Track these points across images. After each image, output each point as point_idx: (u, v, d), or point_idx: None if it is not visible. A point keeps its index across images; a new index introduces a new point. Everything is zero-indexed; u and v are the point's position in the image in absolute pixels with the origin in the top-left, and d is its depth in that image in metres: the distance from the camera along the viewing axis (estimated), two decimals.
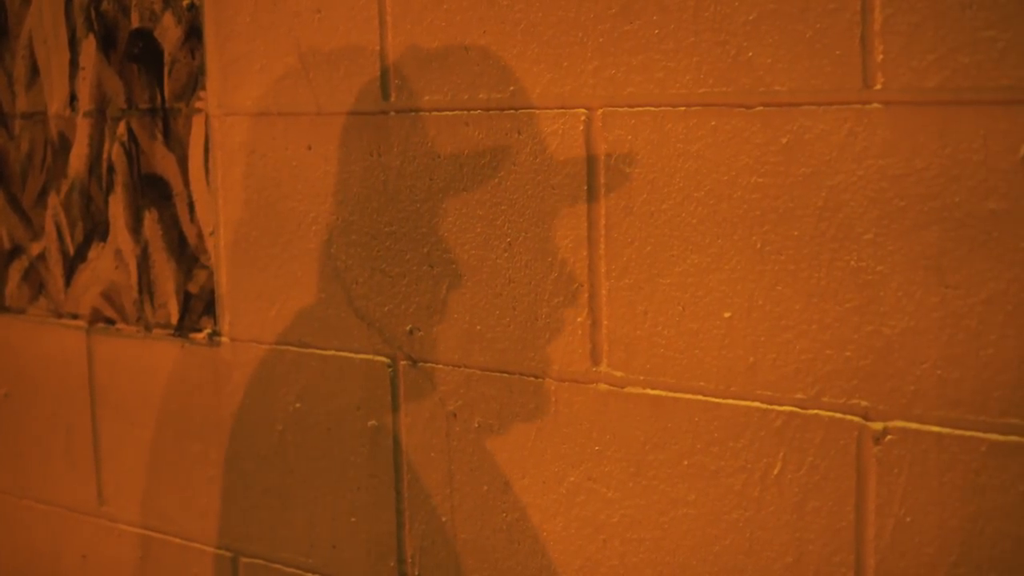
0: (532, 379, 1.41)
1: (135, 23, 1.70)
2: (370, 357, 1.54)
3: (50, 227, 1.85)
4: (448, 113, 1.43)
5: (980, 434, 1.14)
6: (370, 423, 1.55)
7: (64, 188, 1.83)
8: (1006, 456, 1.13)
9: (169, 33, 1.66)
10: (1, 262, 1.94)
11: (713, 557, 1.30)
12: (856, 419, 1.20)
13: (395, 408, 1.53)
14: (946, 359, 1.15)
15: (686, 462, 1.31)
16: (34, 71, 1.83)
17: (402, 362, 1.51)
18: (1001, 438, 1.13)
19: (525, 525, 1.44)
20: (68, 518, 1.92)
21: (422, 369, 1.49)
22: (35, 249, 1.88)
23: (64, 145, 1.81)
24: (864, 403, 1.20)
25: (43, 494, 1.96)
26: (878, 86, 1.15)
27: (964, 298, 1.13)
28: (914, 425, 1.17)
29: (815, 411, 1.23)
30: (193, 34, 1.64)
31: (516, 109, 1.38)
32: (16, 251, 1.91)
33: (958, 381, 1.14)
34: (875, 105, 1.16)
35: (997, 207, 1.10)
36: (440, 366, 1.48)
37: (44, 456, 1.94)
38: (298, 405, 1.61)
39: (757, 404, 1.26)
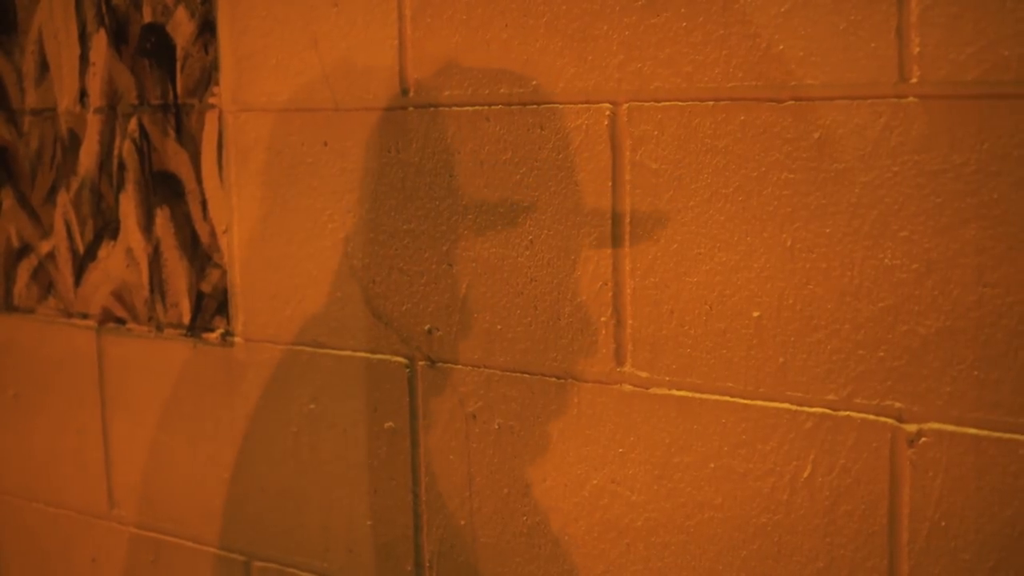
0: (554, 380, 1.38)
1: (147, 17, 1.67)
2: (387, 357, 1.51)
3: (60, 225, 1.83)
4: (468, 108, 1.40)
5: (1019, 436, 1.11)
6: (387, 425, 1.52)
7: (74, 186, 1.80)
8: None
9: (182, 27, 1.63)
10: (10, 261, 1.91)
11: (740, 562, 1.28)
12: (890, 421, 1.18)
13: (413, 410, 1.50)
14: (984, 360, 1.12)
15: (713, 465, 1.28)
16: (44, 67, 1.81)
17: (420, 363, 1.48)
18: None
19: (546, 529, 1.41)
20: (78, 521, 1.89)
21: (441, 370, 1.46)
22: (44, 248, 1.86)
23: (74, 142, 1.78)
24: (898, 404, 1.17)
25: (53, 496, 1.93)
26: (914, 79, 1.12)
27: (1003, 297, 1.10)
28: (950, 427, 1.14)
29: (847, 412, 1.20)
30: (206, 28, 1.61)
31: (539, 104, 1.35)
32: (25, 250, 1.88)
33: (996, 382, 1.11)
34: (911, 99, 1.13)
35: None
36: (459, 367, 1.45)
37: (53, 458, 1.91)
38: (313, 406, 1.58)
39: (787, 405, 1.23)
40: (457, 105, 1.41)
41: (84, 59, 1.75)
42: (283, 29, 1.54)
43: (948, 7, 1.10)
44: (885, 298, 1.16)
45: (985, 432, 1.13)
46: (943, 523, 1.16)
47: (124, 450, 1.81)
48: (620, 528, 1.35)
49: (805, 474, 1.23)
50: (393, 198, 1.47)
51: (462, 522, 1.47)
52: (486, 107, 1.39)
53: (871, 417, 1.18)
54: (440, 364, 1.46)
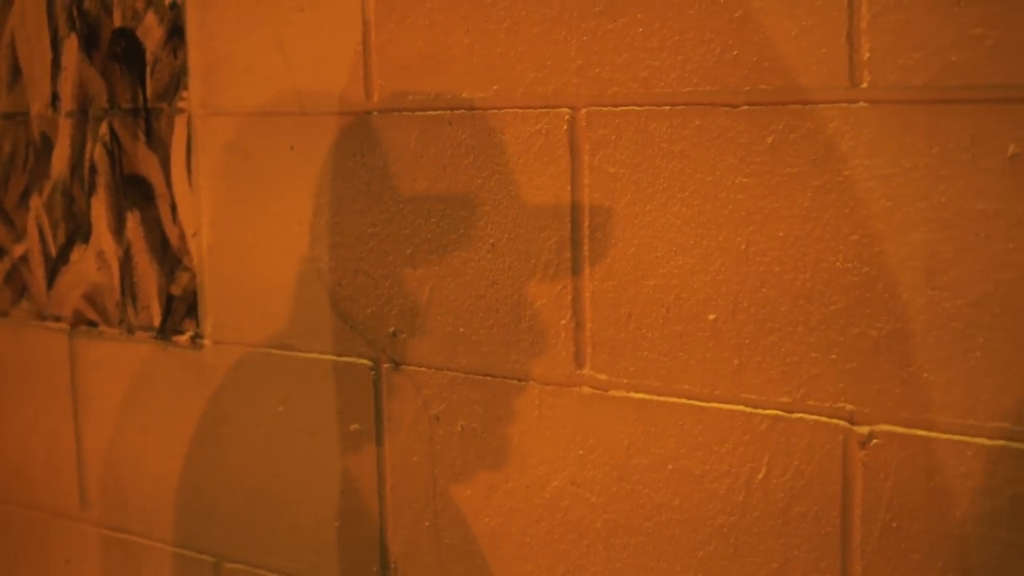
0: (516, 382, 1.39)
1: (117, 22, 1.68)
2: (353, 360, 1.52)
3: (32, 229, 1.83)
4: (431, 113, 1.41)
5: (968, 438, 1.12)
6: (353, 427, 1.53)
7: (46, 189, 1.81)
8: (994, 461, 1.11)
9: (151, 32, 1.64)
10: None
11: (697, 563, 1.29)
12: (842, 423, 1.19)
13: (378, 412, 1.51)
14: (933, 362, 1.13)
15: (671, 466, 1.29)
16: (16, 71, 1.82)
17: (385, 365, 1.49)
18: (989, 442, 1.11)
19: (509, 530, 1.42)
20: (52, 523, 1.90)
21: (405, 372, 1.47)
22: (17, 251, 1.86)
23: (46, 146, 1.79)
24: (850, 407, 1.18)
25: (27, 498, 1.94)
26: (865, 84, 1.13)
27: (952, 300, 1.11)
28: (901, 429, 1.16)
29: (800, 415, 1.21)
30: (175, 33, 1.62)
31: (500, 108, 1.36)
32: None
33: (946, 384, 1.13)
34: (862, 104, 1.14)
35: (986, 207, 1.08)
36: (423, 369, 1.46)
37: (27, 459, 1.92)
38: (282, 408, 1.59)
39: (742, 408, 1.24)
40: (420, 110, 1.42)
41: (56, 63, 1.76)
42: (250, 34, 1.55)
43: (897, 13, 1.11)
44: (837, 301, 1.17)
45: (935, 434, 1.14)
46: (894, 524, 1.17)
47: (96, 451, 1.82)
48: (580, 529, 1.36)
49: (760, 476, 1.24)
50: (359, 201, 1.48)
51: (427, 523, 1.48)
52: (448, 111, 1.40)
53: (823, 419, 1.20)
54: (404, 367, 1.47)
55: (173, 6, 1.62)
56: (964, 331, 1.11)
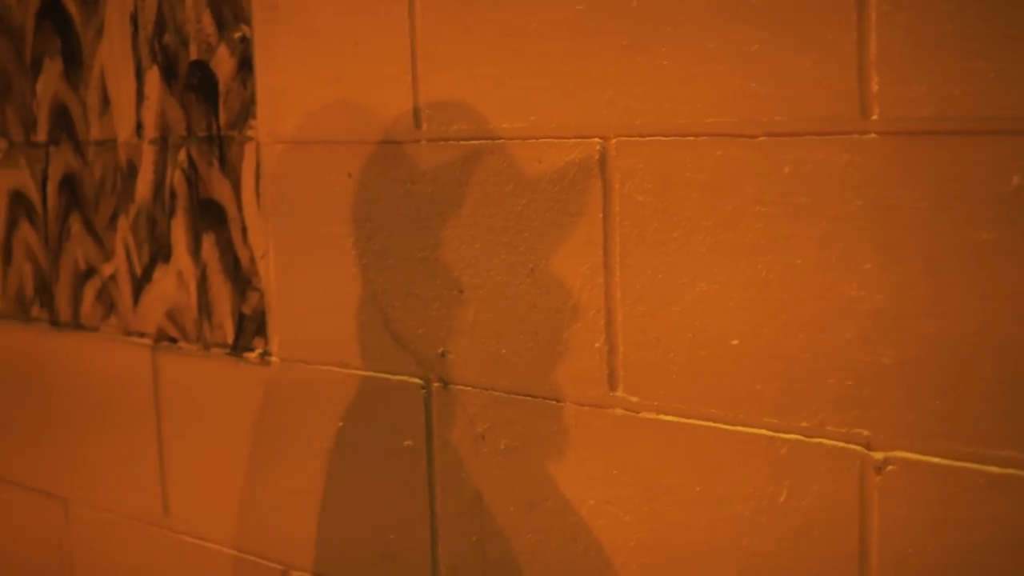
0: (554, 403, 1.43)
1: (194, 55, 1.77)
2: (405, 379, 1.58)
3: (120, 249, 1.94)
4: (474, 142, 1.46)
5: (978, 466, 1.13)
6: (406, 443, 1.59)
7: (132, 212, 1.91)
8: (1003, 489, 1.12)
9: (223, 64, 1.73)
10: (77, 282, 2.03)
11: None
12: (858, 448, 1.20)
13: (428, 428, 1.56)
14: (941, 389, 1.14)
15: (697, 488, 1.32)
16: (105, 101, 1.92)
17: (435, 384, 1.55)
18: (999, 471, 1.12)
19: (548, 547, 1.46)
20: (136, 528, 2.00)
21: (453, 391, 1.53)
22: (107, 270, 1.97)
23: (132, 171, 1.90)
24: (866, 432, 1.20)
25: (114, 504, 2.04)
26: (874, 116, 1.15)
27: (954, 328, 1.13)
28: (914, 455, 1.17)
29: (819, 439, 1.23)
30: (245, 65, 1.70)
31: (537, 138, 1.41)
32: (90, 272, 2.00)
33: (953, 412, 1.14)
34: (872, 135, 1.16)
35: (988, 237, 1.09)
36: (469, 388, 1.51)
37: (115, 467, 2.03)
38: (340, 424, 1.66)
39: (764, 431, 1.27)
40: (464, 139, 1.47)
41: (140, 94, 1.86)
42: (310, 66, 1.63)
43: (904, 46, 1.13)
44: (851, 328, 1.19)
45: (946, 461, 1.15)
46: (909, 549, 1.18)
47: (177, 460, 1.92)
48: (614, 548, 1.40)
49: (781, 499, 1.26)
50: (408, 227, 1.54)
51: (473, 538, 1.54)
52: (489, 141, 1.45)
53: (841, 444, 1.21)
54: (452, 385, 1.53)
55: (243, 39, 1.70)
56: (970, 359, 1.12)
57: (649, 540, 1.37)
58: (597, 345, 1.39)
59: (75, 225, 2.01)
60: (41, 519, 2.18)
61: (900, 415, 1.17)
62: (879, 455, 1.19)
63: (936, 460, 1.16)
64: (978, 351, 1.11)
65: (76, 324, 2.05)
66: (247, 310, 1.76)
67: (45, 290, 2.09)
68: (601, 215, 1.36)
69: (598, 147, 1.36)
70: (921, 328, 1.14)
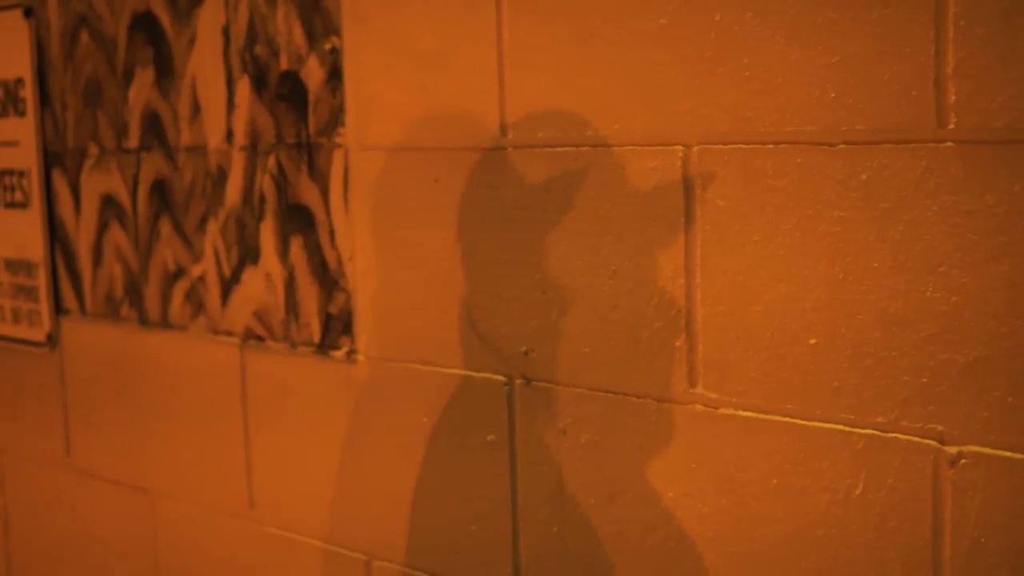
0: (634, 399, 1.50)
1: (284, 65, 1.85)
2: (489, 376, 1.65)
3: (209, 251, 2.02)
4: (559, 149, 1.53)
5: None
6: (489, 437, 1.66)
7: (221, 216, 1.99)
8: None
9: (313, 74, 1.81)
10: (167, 283, 2.11)
11: (799, 573, 1.37)
12: (932, 443, 1.26)
13: (511, 424, 1.63)
14: (1016, 387, 1.19)
15: (774, 481, 1.38)
16: (196, 108, 2.01)
17: (517, 381, 1.61)
18: None
19: (628, 537, 1.52)
20: (221, 520, 2.08)
21: (535, 388, 1.59)
22: (196, 271, 2.05)
23: (221, 176, 1.98)
24: (940, 428, 1.25)
25: (202, 496, 2.12)
26: (951, 125, 1.21)
27: None
28: (987, 450, 1.22)
29: (894, 434, 1.28)
30: (334, 75, 1.78)
31: (620, 145, 1.47)
32: (179, 273, 2.09)
33: None
34: (948, 144, 1.21)
35: None
36: (552, 385, 1.58)
37: (202, 461, 2.11)
38: (425, 419, 1.73)
39: (840, 427, 1.32)
40: (549, 146, 1.54)
41: (230, 102, 1.95)
42: (398, 75, 1.70)
43: (980, 59, 1.18)
44: (927, 328, 1.25)
45: (1019, 455, 1.20)
46: (982, 540, 1.23)
47: (262, 454, 2.00)
48: (692, 538, 1.46)
49: (857, 491, 1.32)
50: (493, 230, 1.61)
51: (554, 529, 1.60)
52: (574, 148, 1.52)
53: (915, 439, 1.27)
54: (535, 383, 1.60)
55: (333, 50, 1.78)
56: None
57: (727, 531, 1.43)
58: (678, 344, 1.45)
59: (165, 228, 2.10)
60: (129, 512, 2.27)
61: (974, 411, 1.23)
62: (953, 449, 1.25)
63: (1009, 454, 1.21)
64: None
65: (165, 323, 2.13)
66: (334, 310, 1.83)
67: (134, 290, 2.18)
68: (683, 219, 1.43)
69: (680, 154, 1.42)
70: (996, 328, 1.20)
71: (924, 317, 1.25)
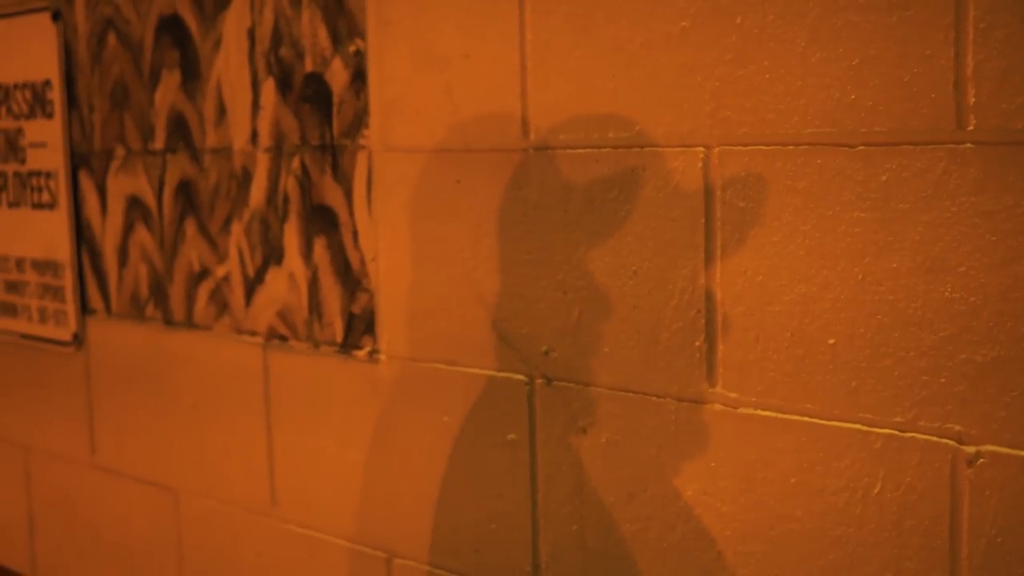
0: (654, 399, 1.51)
1: (309, 67, 1.87)
2: (510, 376, 1.66)
3: (233, 252, 2.04)
4: (580, 151, 1.55)
5: None
6: (509, 436, 1.67)
7: (246, 216, 2.01)
8: None
9: (338, 76, 1.83)
10: (191, 283, 2.14)
11: (818, 571, 1.38)
12: (950, 443, 1.27)
13: (532, 423, 1.64)
14: None
15: (793, 480, 1.39)
16: (221, 110, 2.03)
17: (538, 380, 1.63)
18: None
19: (647, 535, 1.53)
20: (244, 518, 2.10)
21: (556, 387, 1.61)
22: (220, 271, 2.08)
23: (246, 177, 2.00)
24: (958, 427, 1.26)
25: (224, 494, 2.14)
26: (971, 127, 1.22)
27: None
28: (1005, 450, 1.23)
29: (912, 434, 1.29)
30: (358, 77, 1.80)
31: (641, 147, 1.49)
32: (204, 273, 2.11)
33: None
34: (967, 145, 1.22)
35: None
36: (572, 385, 1.59)
37: (225, 460, 2.13)
38: (446, 418, 1.75)
39: (859, 426, 1.33)
40: (571, 148, 1.56)
41: (255, 104, 1.97)
42: (422, 78, 1.72)
43: (999, 61, 1.19)
44: (946, 328, 1.26)
45: None
46: (999, 539, 1.24)
47: (284, 453, 2.01)
48: (711, 536, 1.47)
49: (875, 490, 1.33)
50: (514, 231, 1.63)
51: (574, 527, 1.61)
52: (596, 150, 1.53)
53: (933, 439, 1.28)
54: (555, 382, 1.61)
55: (357, 53, 1.80)
56: None
57: (746, 529, 1.44)
58: (697, 344, 1.46)
59: (190, 229, 2.12)
60: (153, 510, 2.29)
61: (992, 411, 1.23)
62: (970, 449, 1.25)
63: None
64: None
65: (189, 323, 2.15)
66: (356, 310, 1.85)
67: (159, 290, 2.20)
68: (703, 220, 1.44)
69: (701, 155, 1.43)
70: (1015, 328, 1.21)
71: (943, 317, 1.26)
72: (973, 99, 1.22)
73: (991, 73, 1.20)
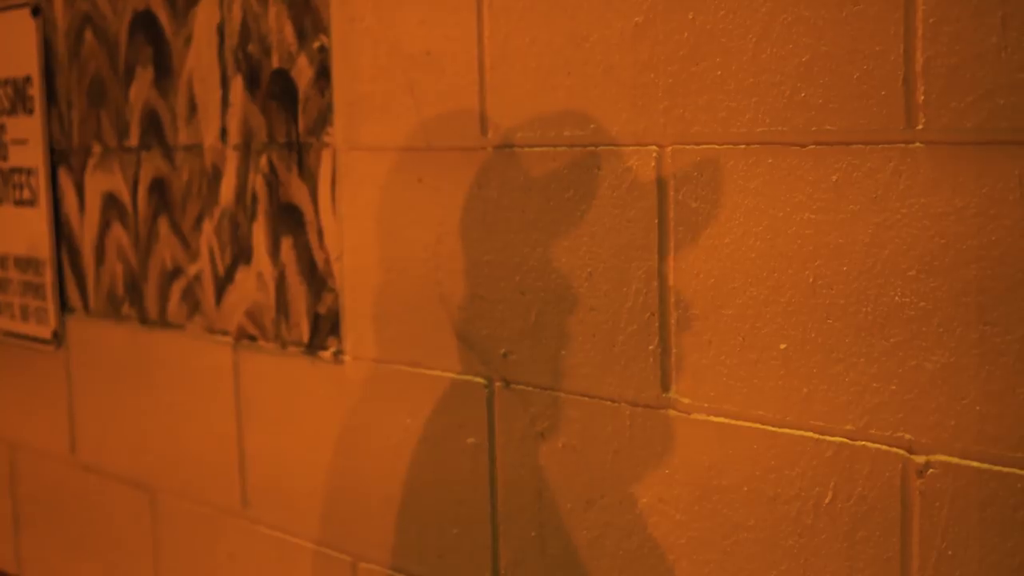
0: (610, 403, 1.47)
1: (275, 64, 1.84)
2: (470, 378, 1.63)
3: (204, 250, 2.02)
4: (538, 149, 1.51)
5: (1018, 471, 1.15)
6: (470, 440, 1.64)
7: (216, 215, 1.99)
8: None
9: (303, 73, 1.80)
10: (164, 282, 2.11)
11: None
12: (901, 452, 1.23)
13: (491, 427, 1.61)
14: (985, 395, 1.16)
15: (746, 488, 1.35)
16: (193, 107, 2.01)
17: (497, 383, 1.60)
18: None
19: (605, 543, 1.50)
20: (218, 518, 2.08)
21: (515, 391, 1.58)
22: (192, 270, 2.05)
23: (216, 175, 1.98)
24: (908, 436, 1.22)
25: (198, 495, 2.12)
26: (920, 126, 1.18)
27: (1002, 335, 1.15)
28: (955, 460, 1.19)
29: (863, 442, 1.25)
30: (323, 74, 1.77)
31: (596, 146, 1.45)
32: (177, 272, 2.09)
33: (997, 417, 1.16)
34: (918, 144, 1.18)
35: None
36: (530, 388, 1.56)
37: (198, 460, 2.11)
38: (409, 421, 1.72)
39: (811, 434, 1.30)
40: (529, 146, 1.52)
41: (224, 101, 1.94)
42: (385, 76, 1.69)
43: (949, 58, 1.15)
44: (896, 334, 1.22)
45: (986, 465, 1.17)
46: (950, 552, 1.20)
47: (255, 454, 1.99)
48: (667, 545, 1.44)
49: (827, 500, 1.29)
50: (476, 231, 1.60)
51: (533, 534, 1.58)
52: (552, 148, 1.50)
53: (884, 447, 1.24)
54: (514, 385, 1.58)
55: (321, 49, 1.77)
56: (1013, 366, 1.14)
57: (700, 537, 1.40)
58: (652, 347, 1.43)
59: (163, 227, 2.10)
60: (131, 508, 2.28)
61: (942, 420, 1.19)
62: (921, 459, 1.21)
63: (977, 464, 1.18)
64: (1022, 358, 1.13)
65: (163, 322, 2.13)
66: (322, 310, 1.83)
67: (135, 289, 2.18)
68: (656, 221, 1.40)
69: (655, 154, 1.40)
70: (965, 334, 1.17)
71: (893, 322, 1.22)
72: (923, 97, 1.17)
73: (940, 70, 1.16)
